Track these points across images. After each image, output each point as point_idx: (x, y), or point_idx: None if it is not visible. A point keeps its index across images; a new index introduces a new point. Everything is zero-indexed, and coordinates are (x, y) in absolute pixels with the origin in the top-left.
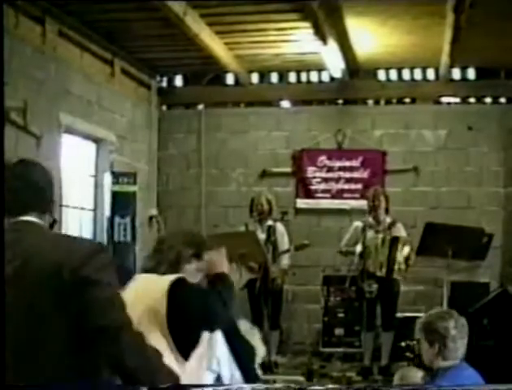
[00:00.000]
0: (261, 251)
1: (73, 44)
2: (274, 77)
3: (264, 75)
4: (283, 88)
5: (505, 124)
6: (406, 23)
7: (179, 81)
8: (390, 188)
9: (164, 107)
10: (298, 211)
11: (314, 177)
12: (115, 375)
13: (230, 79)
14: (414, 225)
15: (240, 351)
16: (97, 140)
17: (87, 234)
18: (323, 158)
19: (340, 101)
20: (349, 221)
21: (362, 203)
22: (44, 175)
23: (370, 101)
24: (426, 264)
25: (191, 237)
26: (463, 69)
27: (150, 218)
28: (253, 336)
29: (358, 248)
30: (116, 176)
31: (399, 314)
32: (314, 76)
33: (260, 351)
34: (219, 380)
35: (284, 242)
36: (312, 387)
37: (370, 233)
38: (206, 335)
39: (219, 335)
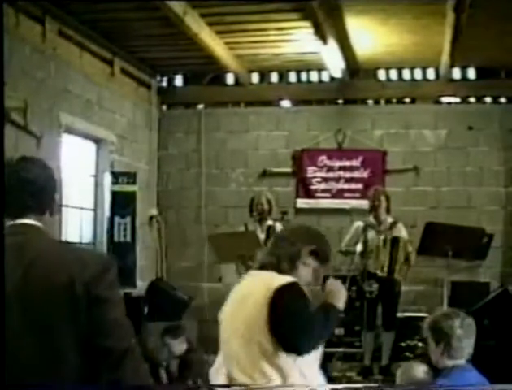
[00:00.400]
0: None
1: (73, 43)
2: (274, 77)
3: (264, 75)
4: (283, 87)
5: (505, 124)
6: (407, 23)
7: (179, 81)
8: (390, 188)
9: (164, 107)
10: (298, 211)
11: (315, 177)
12: None
13: (230, 78)
14: (414, 225)
15: None
16: (97, 140)
17: (87, 234)
18: (323, 158)
19: (341, 101)
20: (349, 221)
21: (363, 203)
22: (43, 173)
23: (371, 101)
24: (426, 264)
25: (312, 235)
26: (463, 69)
27: (151, 217)
28: None
29: (359, 247)
30: (116, 176)
31: (399, 314)
32: (314, 76)
33: None
34: None
35: None
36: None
37: (371, 233)
38: None
39: None
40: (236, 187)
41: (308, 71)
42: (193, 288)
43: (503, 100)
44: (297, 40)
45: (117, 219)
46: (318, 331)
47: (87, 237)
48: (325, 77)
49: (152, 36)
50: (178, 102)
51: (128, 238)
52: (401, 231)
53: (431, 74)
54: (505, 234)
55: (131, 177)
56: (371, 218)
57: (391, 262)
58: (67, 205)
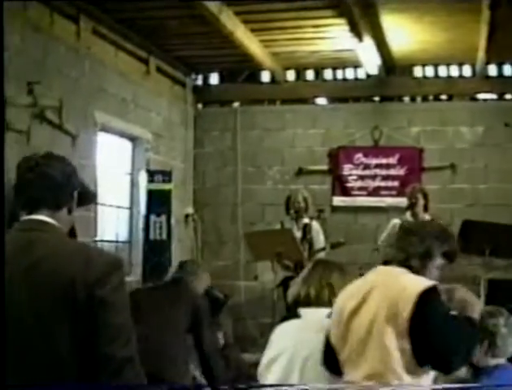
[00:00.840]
0: (297, 249)
1: (108, 42)
2: (310, 74)
3: (300, 73)
4: (319, 85)
5: None
6: (442, 20)
7: (214, 79)
8: (427, 186)
9: (200, 105)
10: (335, 209)
11: (351, 175)
12: None
13: (265, 76)
14: (451, 223)
15: None
16: (132, 139)
17: (123, 232)
18: (359, 156)
19: (377, 99)
20: (385, 218)
21: (399, 200)
22: (64, 169)
23: (407, 98)
24: (463, 262)
25: (442, 232)
26: (499, 65)
27: (186, 216)
28: None
29: None
30: (152, 174)
31: None
32: (350, 73)
33: None
34: None
35: (319, 240)
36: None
37: None
38: None
39: None
40: (273, 185)
41: (344, 68)
42: (229, 287)
43: None
44: (333, 37)
45: (153, 218)
46: (468, 347)
47: (123, 236)
48: (361, 74)
49: (187, 35)
50: (213, 100)
51: (164, 236)
52: None
53: (467, 71)
54: None
55: (166, 175)
56: (409, 216)
57: None
58: (102, 204)
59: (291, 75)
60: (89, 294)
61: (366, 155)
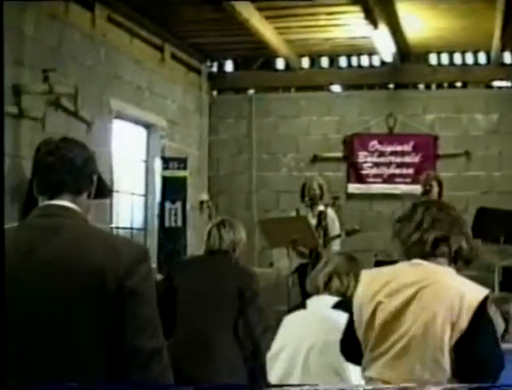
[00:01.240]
0: (312, 236)
1: (123, 30)
2: (324, 62)
3: (314, 60)
4: (333, 72)
5: None
6: (457, 7)
7: (229, 66)
8: (442, 173)
9: (215, 92)
10: (350, 196)
11: (366, 162)
12: None
13: (280, 64)
14: (465, 210)
15: None
16: (147, 126)
17: (138, 219)
18: (374, 143)
19: (391, 86)
20: (400, 205)
21: (414, 188)
22: (83, 153)
23: (422, 86)
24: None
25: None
26: None
27: (201, 203)
28: None
29: None
30: (167, 161)
31: None
32: (364, 61)
33: None
34: None
35: (334, 227)
36: None
37: None
38: None
39: None
40: (287, 172)
41: (359, 55)
42: None
43: None
44: (348, 24)
45: (168, 205)
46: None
47: (138, 223)
48: (376, 62)
49: (202, 22)
50: (228, 88)
51: (179, 223)
52: None
53: (482, 58)
54: None
55: (181, 162)
56: None
57: None
58: (117, 191)
59: (306, 63)
60: (119, 285)
61: (380, 142)
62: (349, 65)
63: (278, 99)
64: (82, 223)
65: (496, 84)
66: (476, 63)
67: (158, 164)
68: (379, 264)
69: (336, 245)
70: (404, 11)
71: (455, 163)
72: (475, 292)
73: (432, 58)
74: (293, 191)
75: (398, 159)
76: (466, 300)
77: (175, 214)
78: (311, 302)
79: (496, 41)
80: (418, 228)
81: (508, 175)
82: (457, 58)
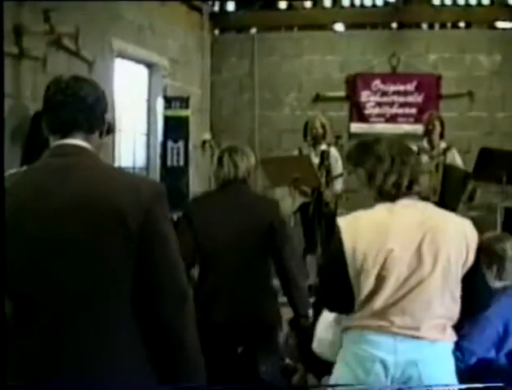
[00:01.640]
0: (314, 175)
1: None
2: (327, 1)
3: None
4: (336, 11)
5: None
6: None
7: (231, 6)
8: (445, 113)
9: (216, 32)
10: (352, 136)
11: (369, 101)
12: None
13: (282, 3)
14: (468, 150)
15: None
16: (149, 65)
17: (140, 159)
18: (377, 82)
19: (394, 25)
20: None
21: (417, 127)
22: (94, 91)
23: (425, 26)
24: (480, 190)
25: None
26: None
27: (203, 142)
28: None
29: None
30: (169, 101)
31: None
32: (367, 0)
33: None
34: None
35: (337, 167)
36: None
37: (424, 158)
38: None
39: None
40: (290, 111)
41: None
42: None
43: None
44: None
45: (170, 144)
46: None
47: (140, 162)
48: (379, 1)
49: None
50: (230, 27)
51: (181, 162)
52: (455, 157)
53: None
54: None
55: (183, 101)
56: (425, 143)
57: (443, 187)
58: (120, 130)
59: (308, 2)
60: (140, 224)
61: (383, 82)
62: (352, 4)
63: (280, 38)
64: (96, 161)
65: (500, 25)
66: (480, 4)
67: (160, 103)
68: None
69: (338, 184)
70: None
71: (458, 104)
72: (469, 228)
73: None
74: (296, 130)
75: (401, 99)
76: (469, 237)
77: (178, 154)
78: None
79: None
80: (391, 171)
81: (511, 116)
82: None
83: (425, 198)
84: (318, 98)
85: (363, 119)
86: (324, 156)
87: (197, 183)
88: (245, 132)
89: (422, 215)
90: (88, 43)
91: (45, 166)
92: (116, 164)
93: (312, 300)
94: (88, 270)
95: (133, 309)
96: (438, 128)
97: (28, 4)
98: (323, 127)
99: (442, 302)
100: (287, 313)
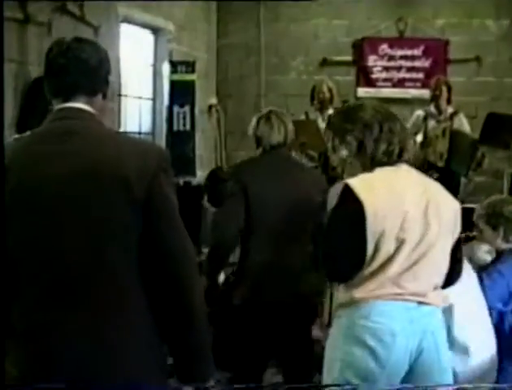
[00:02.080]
0: (321, 140)
1: None
2: None
3: None
4: None
5: None
6: None
7: None
8: (452, 78)
9: None
10: (359, 100)
11: (376, 66)
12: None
13: None
14: (475, 116)
15: None
16: (155, 30)
17: (146, 123)
18: (384, 47)
19: None
20: (410, 110)
21: (424, 92)
22: (97, 53)
23: None
24: (487, 155)
25: None
26: None
27: (210, 107)
28: None
29: (419, 138)
30: (175, 65)
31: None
32: None
33: None
34: None
35: None
36: None
37: (431, 123)
38: None
39: None
40: (297, 75)
41: None
42: None
43: None
44: None
45: (176, 109)
46: None
47: (146, 127)
48: None
49: None
50: None
51: (188, 127)
52: (463, 123)
53: None
54: None
55: (189, 66)
56: (432, 108)
57: (450, 152)
58: (125, 95)
59: None
60: (146, 190)
61: (391, 46)
62: None
63: (287, 3)
64: (99, 125)
65: None
66: None
67: (165, 68)
68: None
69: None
70: None
71: (465, 68)
72: (454, 199)
73: None
74: (303, 95)
75: (408, 63)
76: (457, 209)
77: (184, 118)
78: None
79: None
80: (380, 138)
81: None
82: None
83: (412, 165)
84: (324, 63)
85: (370, 83)
86: None
87: (203, 147)
88: (252, 97)
89: (423, 181)
90: (93, 8)
91: (48, 131)
92: (122, 129)
93: None
94: (93, 236)
95: (140, 275)
96: (445, 93)
97: None
98: (330, 91)
99: (439, 273)
100: None
